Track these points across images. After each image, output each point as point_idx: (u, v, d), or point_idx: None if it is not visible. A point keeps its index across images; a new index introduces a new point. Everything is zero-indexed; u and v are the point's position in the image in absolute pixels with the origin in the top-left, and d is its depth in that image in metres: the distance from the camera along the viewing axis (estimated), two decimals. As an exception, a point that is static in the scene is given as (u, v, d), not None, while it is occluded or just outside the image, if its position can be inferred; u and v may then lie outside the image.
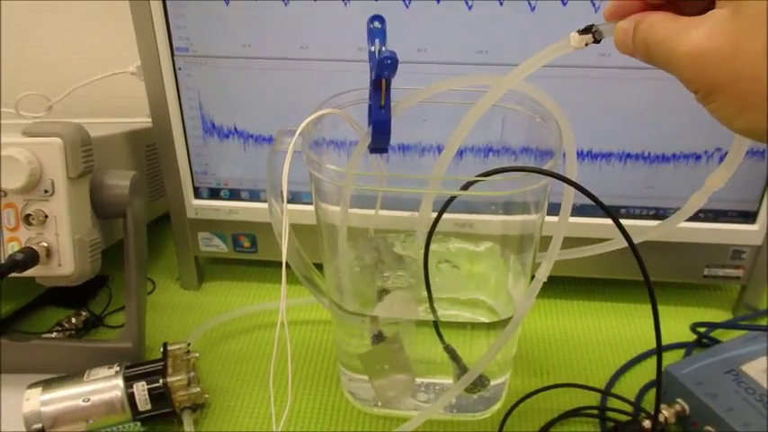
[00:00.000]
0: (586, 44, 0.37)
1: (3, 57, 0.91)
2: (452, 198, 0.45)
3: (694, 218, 0.63)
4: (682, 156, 0.61)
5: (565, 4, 0.55)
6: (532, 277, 0.48)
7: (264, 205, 0.57)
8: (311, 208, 0.50)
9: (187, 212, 0.70)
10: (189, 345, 0.58)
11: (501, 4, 0.56)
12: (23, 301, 0.70)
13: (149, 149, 0.74)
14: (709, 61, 0.29)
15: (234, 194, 0.69)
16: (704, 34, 0.30)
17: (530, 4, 0.55)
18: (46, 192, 0.52)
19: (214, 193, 0.69)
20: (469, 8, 0.56)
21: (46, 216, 0.53)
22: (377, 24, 0.44)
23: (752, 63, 0.28)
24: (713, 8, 0.30)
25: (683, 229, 0.64)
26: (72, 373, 0.55)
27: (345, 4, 0.57)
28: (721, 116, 0.31)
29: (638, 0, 0.34)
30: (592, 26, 0.36)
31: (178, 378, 0.54)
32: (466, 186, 0.42)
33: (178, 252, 0.73)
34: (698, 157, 0.61)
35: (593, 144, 0.62)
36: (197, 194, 0.69)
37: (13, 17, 0.88)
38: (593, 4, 0.55)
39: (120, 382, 0.54)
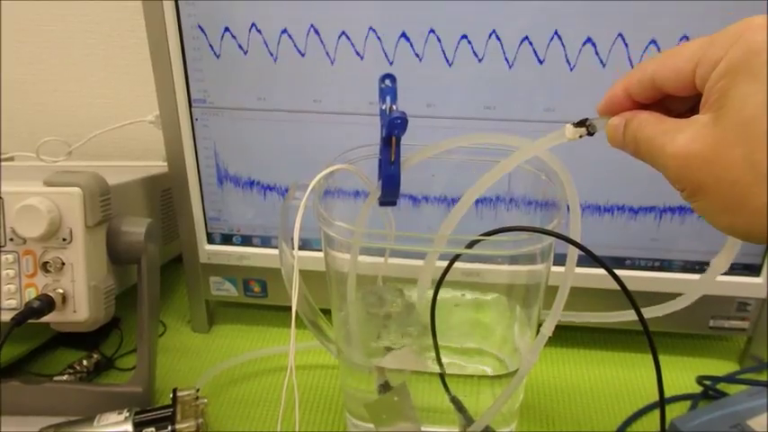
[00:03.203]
0: (581, 136, 0.39)
1: (26, 103, 0.93)
2: (457, 256, 0.46)
3: (700, 270, 0.65)
4: (686, 209, 0.62)
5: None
6: (539, 328, 0.49)
7: (275, 251, 0.58)
8: (321, 255, 0.51)
9: (200, 257, 0.71)
10: (198, 391, 0.59)
11: (505, 65, 0.57)
12: (36, 342, 0.71)
13: (164, 194, 0.76)
14: (693, 164, 0.31)
15: (246, 240, 0.70)
16: (688, 138, 0.31)
17: (538, 60, 0.57)
18: (64, 240, 0.54)
19: (226, 239, 0.71)
20: (480, 62, 0.58)
21: (63, 263, 0.54)
22: (388, 83, 0.45)
23: (731, 168, 0.29)
24: (698, 110, 0.32)
25: (689, 281, 0.64)
26: (82, 418, 0.56)
27: (361, 59, 0.59)
28: (705, 214, 0.32)
29: (628, 99, 0.36)
30: (586, 120, 0.39)
31: (187, 425, 0.55)
32: (471, 245, 0.43)
33: (189, 296, 0.74)
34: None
35: (597, 197, 0.63)
36: (210, 240, 0.70)
37: (36, 64, 0.91)
38: (602, 63, 0.57)
39: (129, 428, 0.54)
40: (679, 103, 0.34)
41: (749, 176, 0.28)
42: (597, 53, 0.56)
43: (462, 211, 0.45)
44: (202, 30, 0.60)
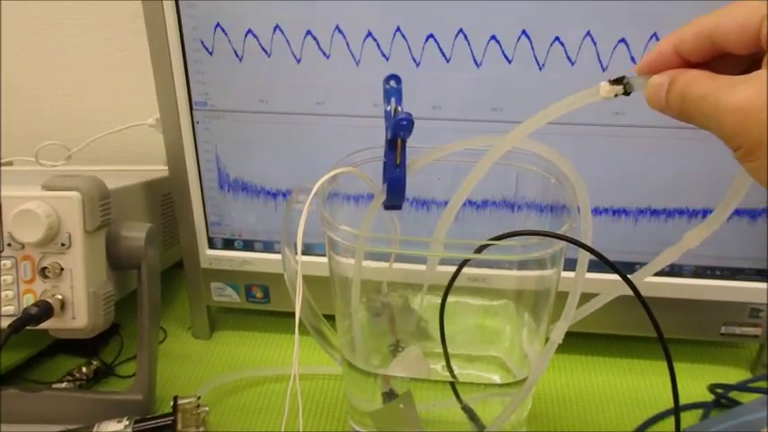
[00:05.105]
0: (616, 95, 0.37)
1: (24, 107, 0.93)
2: (466, 261, 0.45)
3: (711, 275, 0.63)
4: (697, 212, 0.61)
5: (573, 64, 0.56)
6: (548, 337, 0.47)
7: (278, 256, 0.57)
8: (324, 260, 0.50)
9: (201, 262, 0.70)
10: (199, 398, 0.58)
11: (511, 65, 0.56)
12: (35, 349, 0.70)
13: (165, 198, 0.75)
14: (754, 118, 0.29)
15: (247, 245, 0.69)
16: (750, 91, 0.29)
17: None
18: (63, 245, 0.53)
19: (228, 244, 0.69)
20: (486, 64, 0.57)
21: (62, 269, 0.53)
22: (393, 84, 0.45)
23: None
24: (755, 69, 0.30)
25: (700, 286, 0.63)
26: (81, 427, 0.55)
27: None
28: (759, 176, 0.30)
29: (676, 57, 0.34)
30: (623, 77, 0.36)
31: (187, 434, 0.54)
32: (479, 250, 0.42)
33: (191, 301, 0.73)
34: (710, 213, 0.61)
35: (607, 200, 0.62)
36: (211, 245, 0.69)
37: (35, 67, 0.90)
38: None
39: (129, 436, 0.54)
40: (730, 64, 0.33)
41: None
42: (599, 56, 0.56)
43: (467, 190, 0.44)
44: (204, 31, 0.59)
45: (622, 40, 0.55)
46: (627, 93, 0.36)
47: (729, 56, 0.33)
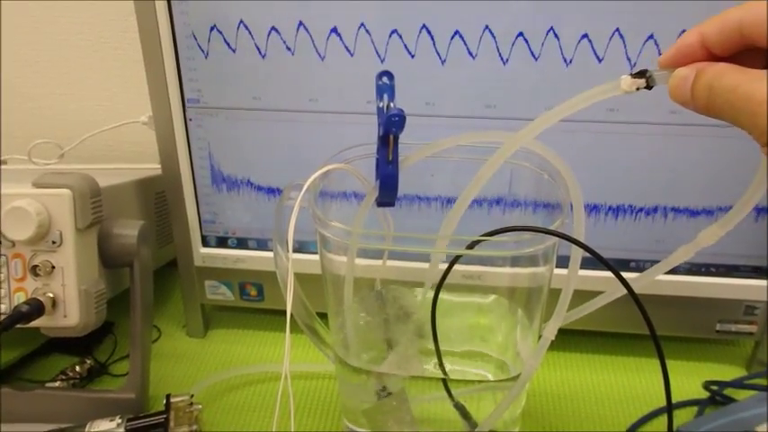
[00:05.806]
0: (638, 88, 0.35)
1: (18, 105, 0.92)
2: (458, 257, 0.44)
3: (706, 273, 0.63)
4: (690, 210, 0.61)
5: (568, 64, 0.56)
6: (541, 334, 0.47)
7: (271, 254, 0.57)
8: (317, 257, 0.50)
9: (194, 260, 0.70)
10: (192, 396, 0.57)
11: (505, 62, 0.56)
12: (28, 348, 0.70)
13: (158, 196, 0.75)
14: None
15: (241, 243, 0.69)
16: None
17: (535, 57, 0.56)
18: (54, 243, 0.52)
19: (222, 242, 0.69)
20: (479, 60, 0.57)
21: (53, 267, 0.53)
22: (385, 80, 0.44)
23: None
24: None
25: (695, 283, 0.63)
26: (74, 426, 0.55)
27: (363, 57, 0.58)
28: None
29: (702, 49, 0.33)
30: (646, 71, 0.35)
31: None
32: (472, 245, 0.42)
33: (185, 300, 0.73)
34: (707, 212, 0.61)
35: (600, 197, 0.61)
36: (205, 243, 0.69)
37: (29, 66, 0.89)
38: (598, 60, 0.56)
39: (121, 435, 0.53)
40: (755, 59, 0.32)
41: None
42: (595, 50, 0.55)
43: (472, 193, 0.44)
44: (196, 29, 0.59)
45: (611, 37, 0.55)
46: (649, 87, 0.35)
47: (756, 51, 0.32)
